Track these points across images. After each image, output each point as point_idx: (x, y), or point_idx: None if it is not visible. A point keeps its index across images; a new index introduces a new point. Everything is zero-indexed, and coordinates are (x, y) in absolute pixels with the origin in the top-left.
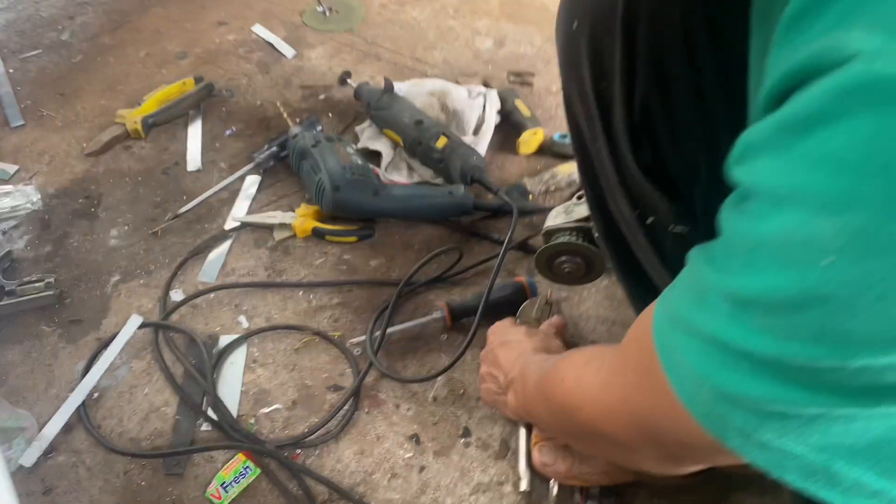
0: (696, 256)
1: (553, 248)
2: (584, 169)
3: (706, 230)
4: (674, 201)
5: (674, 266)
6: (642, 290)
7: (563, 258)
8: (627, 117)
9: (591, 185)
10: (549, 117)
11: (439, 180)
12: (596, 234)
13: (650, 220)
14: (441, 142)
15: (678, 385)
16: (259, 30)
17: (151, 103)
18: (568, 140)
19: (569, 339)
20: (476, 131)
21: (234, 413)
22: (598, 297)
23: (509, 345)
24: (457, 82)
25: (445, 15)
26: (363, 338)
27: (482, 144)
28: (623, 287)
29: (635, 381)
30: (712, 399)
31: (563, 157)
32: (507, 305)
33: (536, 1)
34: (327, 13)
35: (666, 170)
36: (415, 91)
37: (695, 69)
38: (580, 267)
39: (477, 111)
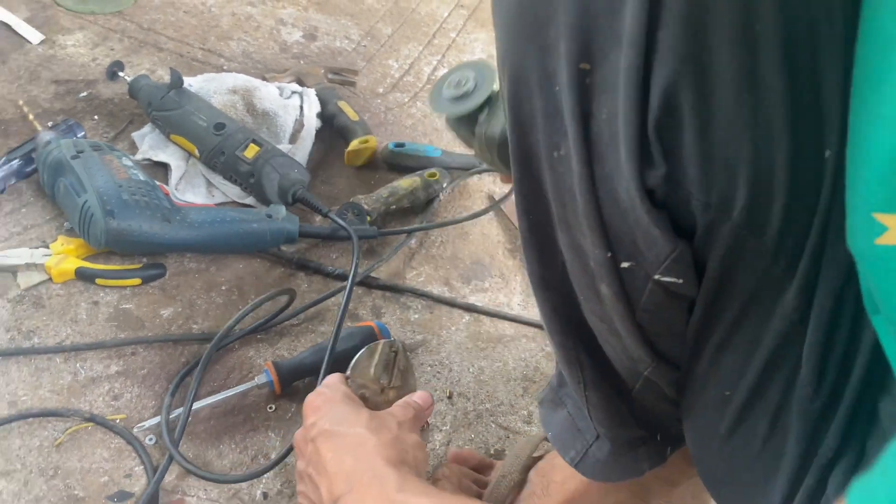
0: None
1: None
2: (524, 187)
3: (718, 286)
4: (679, 240)
5: (648, 326)
6: (595, 371)
7: None
8: (640, 114)
9: (529, 210)
10: (378, 123)
11: (250, 199)
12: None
13: (627, 264)
14: (251, 151)
15: None
16: None
17: None
18: (407, 150)
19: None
20: (293, 139)
21: None
22: (460, 336)
23: (341, 439)
24: (263, 79)
25: (241, 0)
26: (157, 419)
27: (302, 154)
28: (565, 366)
29: None
30: None
31: (402, 171)
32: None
33: None
34: None
35: (677, 194)
36: (211, 87)
37: (750, 40)
38: None
39: (293, 114)
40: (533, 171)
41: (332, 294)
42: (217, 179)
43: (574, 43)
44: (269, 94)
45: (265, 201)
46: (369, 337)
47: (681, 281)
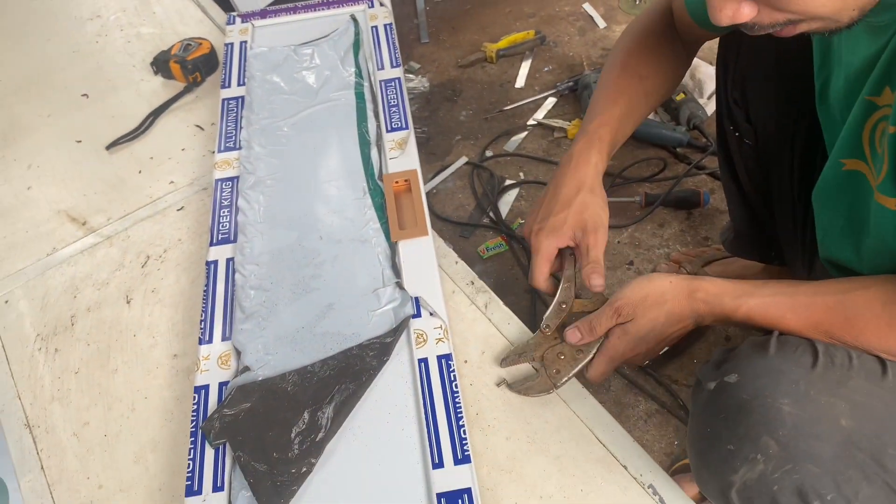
0: None
1: None
2: (718, 106)
3: (762, 145)
4: (748, 123)
5: (745, 162)
6: (734, 186)
7: None
8: (734, 78)
9: (719, 113)
10: None
11: (672, 122)
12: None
13: (737, 133)
14: (680, 97)
15: None
16: (587, 6)
17: (505, 42)
18: None
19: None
20: (709, 98)
21: (504, 216)
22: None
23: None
24: (709, 63)
25: None
26: None
27: (710, 107)
28: (723, 181)
29: None
30: None
31: None
32: (682, 202)
33: None
34: (637, 1)
35: (746, 106)
36: None
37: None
38: None
39: (713, 85)
40: (721, 100)
41: (687, 175)
42: (660, 109)
43: (723, 62)
44: (707, 71)
45: (679, 123)
46: (695, 194)
47: (751, 144)
